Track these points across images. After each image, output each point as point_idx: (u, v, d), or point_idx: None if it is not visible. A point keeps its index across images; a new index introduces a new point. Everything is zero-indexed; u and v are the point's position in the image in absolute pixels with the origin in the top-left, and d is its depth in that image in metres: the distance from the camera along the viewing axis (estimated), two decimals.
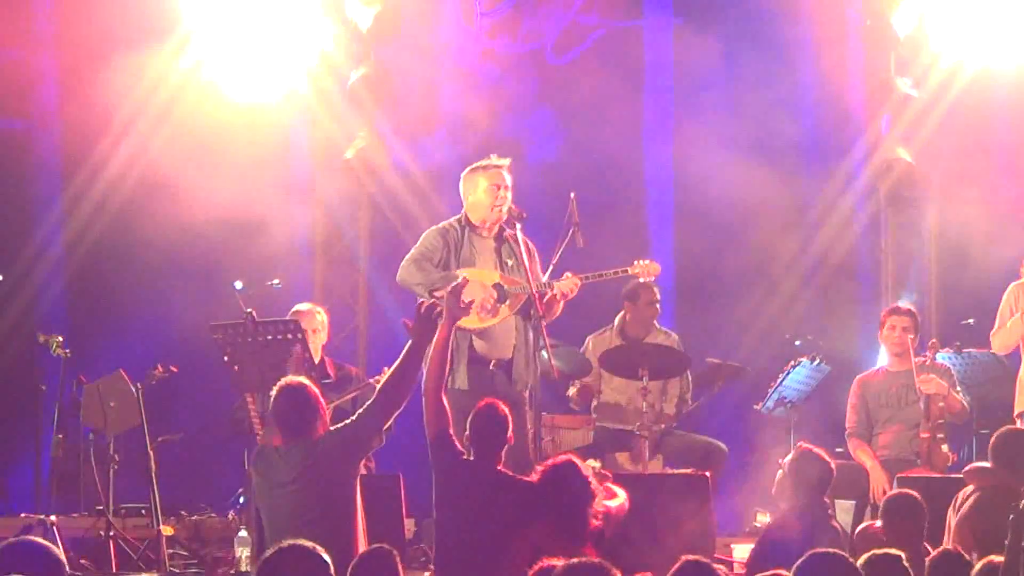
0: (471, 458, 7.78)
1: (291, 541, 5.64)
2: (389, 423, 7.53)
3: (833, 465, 8.03)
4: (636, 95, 13.30)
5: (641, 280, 9.68)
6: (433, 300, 7.81)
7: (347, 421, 7.52)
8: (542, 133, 13.05)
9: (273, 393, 7.58)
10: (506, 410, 7.79)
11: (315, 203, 12.84)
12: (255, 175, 12.56)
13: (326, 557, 5.50)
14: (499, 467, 7.71)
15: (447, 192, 12.06)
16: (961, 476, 8.51)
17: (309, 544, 5.57)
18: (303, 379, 7.72)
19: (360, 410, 7.54)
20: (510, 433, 7.80)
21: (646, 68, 13.39)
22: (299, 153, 13.04)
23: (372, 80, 12.41)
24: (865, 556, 6.05)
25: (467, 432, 7.83)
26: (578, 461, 7.62)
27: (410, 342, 7.54)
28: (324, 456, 7.39)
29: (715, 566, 5.69)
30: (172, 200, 12.39)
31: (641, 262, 9.56)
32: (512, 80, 13.20)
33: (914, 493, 7.89)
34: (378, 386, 7.63)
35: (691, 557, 5.75)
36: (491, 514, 7.52)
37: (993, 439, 8.33)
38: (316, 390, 7.57)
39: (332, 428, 7.50)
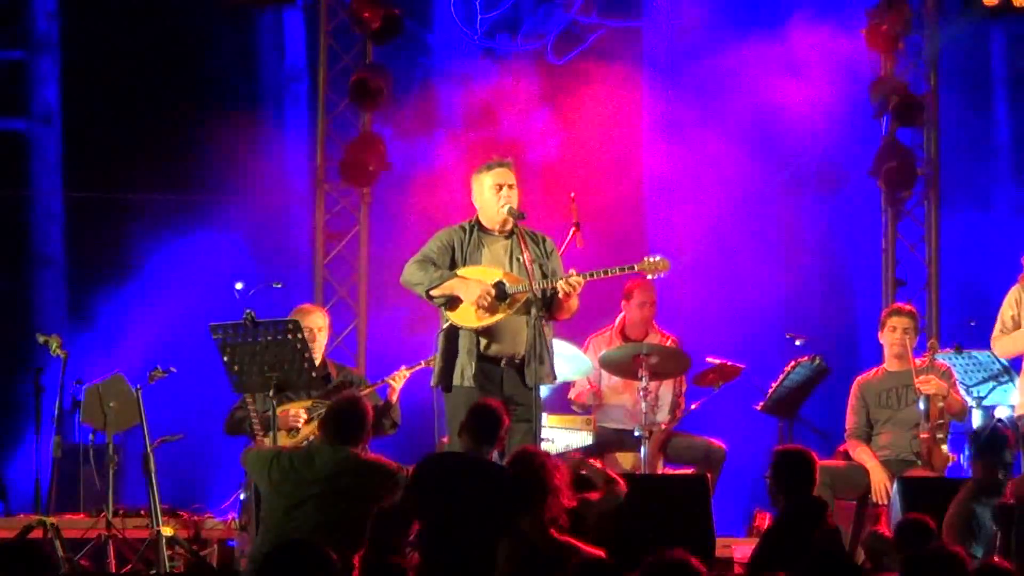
0: (461, 451, 7.89)
1: (296, 538, 5.65)
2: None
3: (813, 456, 8.00)
4: (636, 95, 13.30)
5: (649, 277, 9.53)
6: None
7: (394, 476, 7.77)
8: (542, 133, 13.05)
9: (336, 400, 8.06)
10: (501, 410, 7.85)
11: (315, 204, 12.84)
12: (255, 176, 12.58)
13: (332, 557, 5.53)
14: (488, 460, 7.79)
15: (447, 192, 12.08)
16: (963, 478, 8.53)
17: (315, 543, 5.60)
18: (366, 401, 8.11)
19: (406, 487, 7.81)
20: (502, 432, 7.86)
21: (646, 68, 13.40)
22: (299, 153, 13.04)
23: (372, 80, 12.41)
24: (916, 552, 6.05)
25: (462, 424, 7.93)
26: (540, 449, 7.87)
27: None
28: (354, 481, 7.67)
29: (693, 562, 5.71)
30: (172, 201, 12.40)
31: (650, 258, 9.36)
32: (512, 80, 13.21)
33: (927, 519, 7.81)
34: None
35: (669, 554, 5.76)
36: (479, 506, 7.58)
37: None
38: (371, 415, 7.98)
39: (379, 466, 7.75)
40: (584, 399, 10.80)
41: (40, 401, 11.05)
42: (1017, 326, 9.81)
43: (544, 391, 9.32)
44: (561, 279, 8.99)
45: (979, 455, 8.40)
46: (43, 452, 10.98)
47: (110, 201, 12.73)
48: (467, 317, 8.96)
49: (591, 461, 8.26)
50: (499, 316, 8.97)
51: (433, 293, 9.03)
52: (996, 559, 7.62)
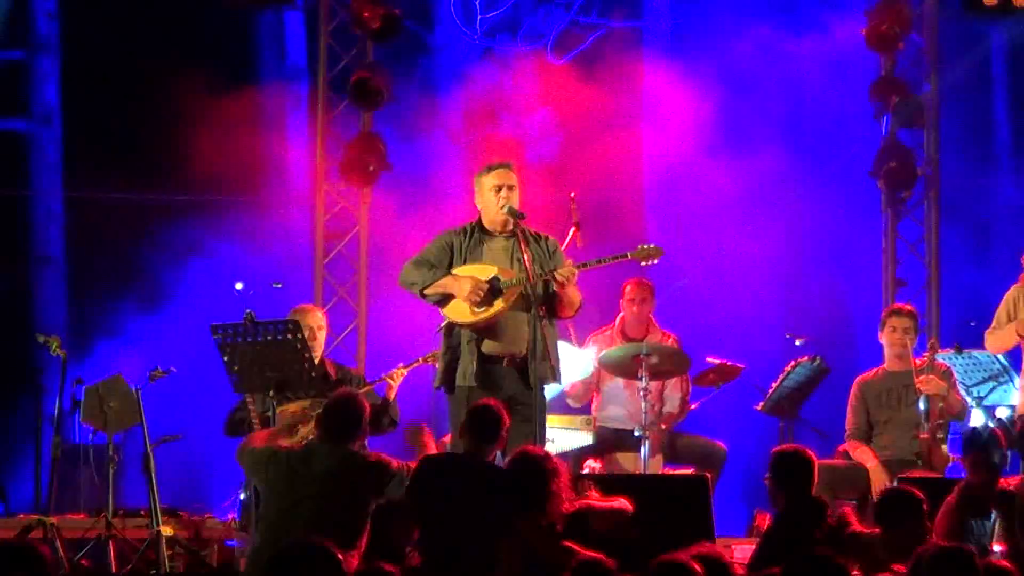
0: (460, 452, 7.90)
1: (302, 538, 5.66)
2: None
3: (812, 456, 8.01)
4: (636, 95, 13.31)
5: (642, 264, 9.50)
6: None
7: (395, 477, 7.82)
8: (542, 133, 13.05)
9: (332, 397, 8.13)
10: (500, 409, 7.86)
11: (315, 204, 12.85)
12: (255, 175, 12.58)
13: (339, 555, 5.53)
14: (488, 461, 7.81)
15: (446, 192, 12.10)
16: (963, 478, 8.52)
17: (321, 542, 5.61)
18: (362, 397, 8.14)
19: (406, 488, 7.84)
20: (503, 432, 7.87)
21: (646, 68, 13.40)
22: (299, 154, 13.05)
23: (372, 80, 12.41)
24: (932, 551, 6.05)
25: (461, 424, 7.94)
26: (541, 450, 7.88)
27: None
28: (352, 478, 7.71)
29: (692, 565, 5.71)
30: (171, 201, 12.40)
31: (643, 247, 9.31)
32: (512, 80, 13.22)
33: (913, 490, 7.81)
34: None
35: (667, 558, 5.76)
36: (478, 507, 7.59)
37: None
38: (367, 411, 8.04)
39: (377, 463, 7.81)
40: (577, 389, 10.79)
41: (40, 401, 11.07)
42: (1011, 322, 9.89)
43: (548, 393, 9.31)
44: (561, 268, 8.98)
45: (967, 454, 8.40)
46: (43, 452, 11.01)
47: (110, 201, 12.73)
48: (462, 313, 8.98)
49: (592, 498, 8.22)
50: (494, 310, 8.97)
51: (427, 292, 9.05)
52: (995, 547, 7.63)
